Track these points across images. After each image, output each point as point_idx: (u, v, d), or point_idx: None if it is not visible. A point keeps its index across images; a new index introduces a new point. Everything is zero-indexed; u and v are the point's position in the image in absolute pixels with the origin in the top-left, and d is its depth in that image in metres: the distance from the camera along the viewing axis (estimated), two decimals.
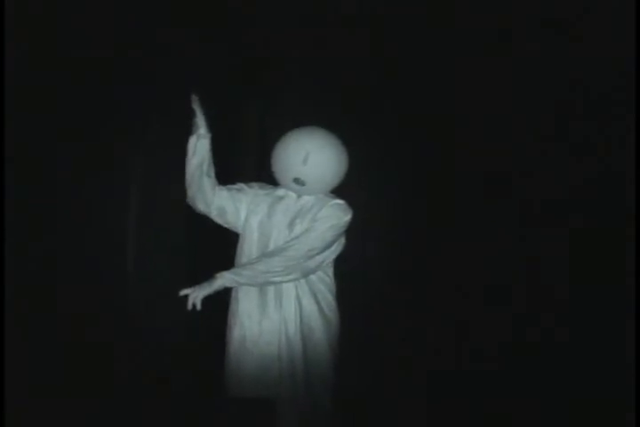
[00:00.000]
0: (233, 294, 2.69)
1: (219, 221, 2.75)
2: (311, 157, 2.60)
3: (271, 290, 2.63)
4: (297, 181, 2.64)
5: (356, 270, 3.86)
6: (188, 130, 2.65)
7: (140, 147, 3.44)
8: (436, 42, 3.74)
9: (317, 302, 2.67)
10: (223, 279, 2.53)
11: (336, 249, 2.70)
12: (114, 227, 3.34)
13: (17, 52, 2.75)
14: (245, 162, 3.87)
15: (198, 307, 2.47)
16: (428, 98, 3.88)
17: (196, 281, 2.52)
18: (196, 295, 2.47)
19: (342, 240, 2.72)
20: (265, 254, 2.60)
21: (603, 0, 3.32)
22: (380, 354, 3.80)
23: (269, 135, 2.92)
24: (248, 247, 2.69)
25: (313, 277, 2.67)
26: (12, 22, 2.68)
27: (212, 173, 2.69)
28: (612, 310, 3.31)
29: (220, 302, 2.64)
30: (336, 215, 2.64)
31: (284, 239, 2.63)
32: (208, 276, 2.53)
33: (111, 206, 3.32)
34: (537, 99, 3.63)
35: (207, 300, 2.49)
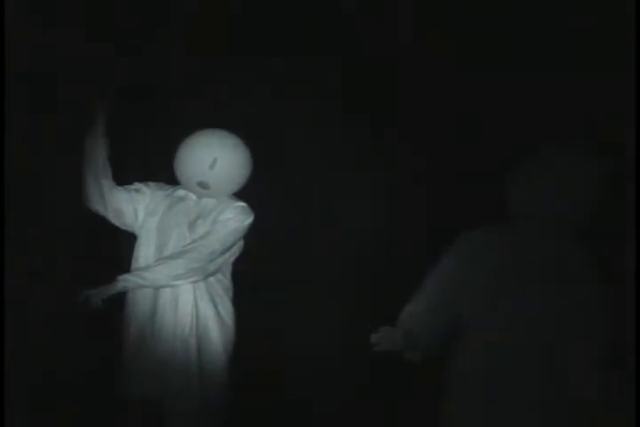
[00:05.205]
0: (129, 294, 2.68)
1: (116, 222, 2.74)
2: (219, 162, 2.61)
3: (167, 291, 2.63)
4: (201, 184, 2.64)
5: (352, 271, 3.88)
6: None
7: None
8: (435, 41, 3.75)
9: (215, 305, 2.68)
10: (126, 282, 2.54)
11: (236, 251, 2.71)
12: None
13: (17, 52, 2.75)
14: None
15: (100, 307, 2.49)
16: (427, 97, 3.87)
17: (97, 282, 2.53)
18: (97, 296, 2.49)
19: (242, 242, 2.73)
20: (167, 257, 2.59)
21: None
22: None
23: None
24: (145, 248, 2.68)
25: (211, 279, 2.67)
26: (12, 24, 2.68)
27: (109, 175, 2.67)
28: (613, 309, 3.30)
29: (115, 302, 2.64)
30: (238, 218, 2.65)
31: (184, 241, 2.63)
32: (108, 277, 2.54)
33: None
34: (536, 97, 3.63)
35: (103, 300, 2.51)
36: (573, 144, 2.35)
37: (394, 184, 3.98)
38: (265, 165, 3.90)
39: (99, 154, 2.62)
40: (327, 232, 3.95)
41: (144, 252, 2.68)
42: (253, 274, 3.70)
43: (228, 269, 2.74)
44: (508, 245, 2.27)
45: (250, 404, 3.16)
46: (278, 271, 3.89)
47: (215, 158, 2.60)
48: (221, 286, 2.71)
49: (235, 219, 2.65)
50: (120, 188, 2.71)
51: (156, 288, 2.62)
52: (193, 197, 2.71)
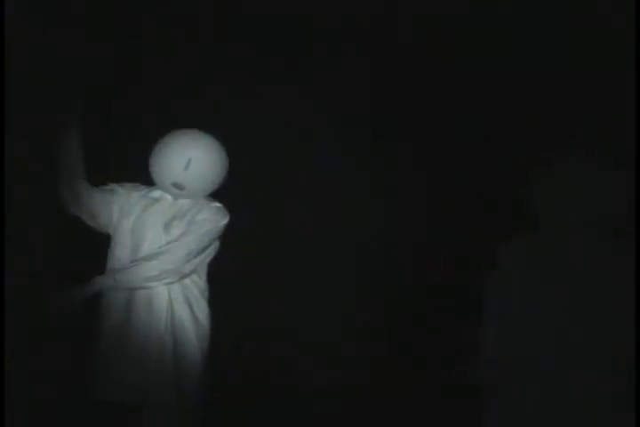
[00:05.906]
0: (104, 295, 2.65)
1: (90, 223, 2.71)
2: (193, 163, 2.58)
3: (142, 293, 2.61)
4: (176, 185, 2.62)
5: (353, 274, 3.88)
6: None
7: None
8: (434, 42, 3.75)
9: (190, 307, 2.65)
10: (100, 283, 2.53)
11: (211, 252, 2.69)
12: None
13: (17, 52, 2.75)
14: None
15: (76, 310, 2.49)
16: (427, 97, 3.87)
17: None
18: (72, 298, 2.50)
19: (217, 243, 2.71)
20: (142, 258, 2.58)
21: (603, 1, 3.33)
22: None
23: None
24: (120, 250, 2.66)
25: (187, 280, 2.65)
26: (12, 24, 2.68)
27: (85, 175, 2.63)
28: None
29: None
30: (214, 219, 2.64)
31: (159, 242, 2.61)
32: (83, 278, 2.53)
33: None
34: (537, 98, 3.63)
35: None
36: (590, 146, 2.36)
37: (394, 184, 3.98)
38: (264, 165, 3.91)
39: (73, 155, 2.59)
40: (327, 232, 3.95)
41: (119, 253, 2.65)
42: (250, 274, 3.70)
43: (203, 271, 2.72)
44: (525, 247, 2.27)
45: (226, 404, 3.16)
46: (278, 271, 3.89)
47: (189, 159, 2.59)
48: (197, 287, 2.69)
49: (210, 219, 2.63)
50: (95, 188, 2.68)
51: (131, 290, 2.61)
52: (168, 197, 2.69)
